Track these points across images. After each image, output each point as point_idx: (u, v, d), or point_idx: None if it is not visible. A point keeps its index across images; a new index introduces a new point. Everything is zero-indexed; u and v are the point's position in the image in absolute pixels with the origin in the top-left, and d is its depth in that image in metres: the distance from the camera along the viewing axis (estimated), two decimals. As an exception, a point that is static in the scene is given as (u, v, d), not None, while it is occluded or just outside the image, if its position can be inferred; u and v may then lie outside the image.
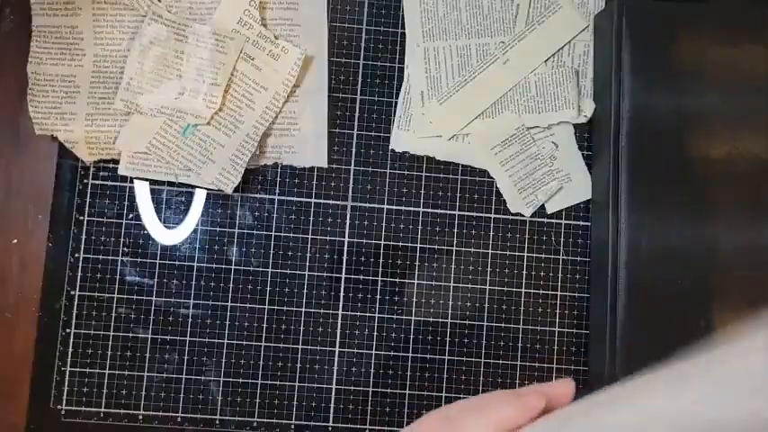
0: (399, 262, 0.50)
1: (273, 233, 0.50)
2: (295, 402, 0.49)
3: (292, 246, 0.50)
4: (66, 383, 0.48)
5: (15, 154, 0.49)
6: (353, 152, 0.51)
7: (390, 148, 0.51)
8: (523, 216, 0.51)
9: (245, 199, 0.50)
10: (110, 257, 0.49)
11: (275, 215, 0.50)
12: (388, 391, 0.49)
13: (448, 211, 0.51)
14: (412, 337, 0.50)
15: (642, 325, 0.46)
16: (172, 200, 0.50)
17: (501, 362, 0.50)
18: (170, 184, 0.50)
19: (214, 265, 0.50)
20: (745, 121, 0.48)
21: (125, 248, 0.49)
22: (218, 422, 0.49)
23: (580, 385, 0.52)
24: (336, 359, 0.50)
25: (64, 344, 0.48)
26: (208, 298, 0.49)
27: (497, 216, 0.51)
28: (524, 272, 0.51)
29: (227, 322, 0.49)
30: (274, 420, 0.49)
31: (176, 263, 0.49)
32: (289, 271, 0.50)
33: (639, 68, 0.47)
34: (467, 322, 0.50)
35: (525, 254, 0.51)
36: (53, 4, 0.49)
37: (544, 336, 0.50)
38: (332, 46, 0.51)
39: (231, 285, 0.50)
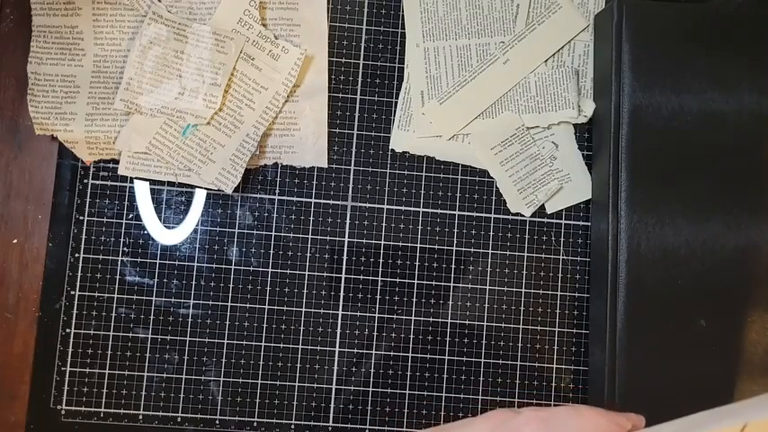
0: (399, 262, 0.50)
1: (273, 233, 0.50)
2: (295, 402, 0.49)
3: (292, 246, 0.50)
4: (66, 383, 0.48)
5: (15, 154, 0.49)
6: (353, 152, 0.51)
7: (390, 148, 0.51)
8: (523, 216, 0.51)
9: (245, 199, 0.50)
10: (110, 257, 0.49)
11: (275, 215, 0.50)
12: (388, 391, 0.49)
13: (448, 211, 0.51)
14: (412, 337, 0.50)
15: (642, 325, 0.46)
16: (172, 200, 0.50)
17: (501, 362, 0.50)
18: (170, 184, 0.50)
19: (214, 265, 0.50)
20: (745, 121, 0.48)
21: (125, 248, 0.49)
22: (218, 422, 0.49)
23: (580, 385, 0.52)
24: (336, 359, 0.50)
25: (64, 344, 0.48)
26: (208, 298, 0.49)
27: (497, 216, 0.51)
28: (524, 272, 0.51)
29: (227, 322, 0.49)
30: (274, 420, 0.49)
31: (176, 263, 0.49)
32: (289, 271, 0.50)
33: (639, 68, 0.47)
34: (467, 322, 0.50)
35: (525, 254, 0.51)
36: (53, 3, 0.49)
37: (544, 336, 0.50)
38: (332, 46, 0.51)
39: (231, 285, 0.50)
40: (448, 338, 0.50)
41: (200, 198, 0.50)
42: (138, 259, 0.49)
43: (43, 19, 0.49)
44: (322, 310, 0.50)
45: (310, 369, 0.49)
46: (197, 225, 0.50)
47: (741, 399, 0.46)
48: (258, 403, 0.49)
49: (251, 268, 0.50)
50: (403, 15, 0.52)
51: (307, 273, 0.50)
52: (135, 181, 0.50)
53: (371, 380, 0.50)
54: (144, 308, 0.49)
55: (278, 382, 0.49)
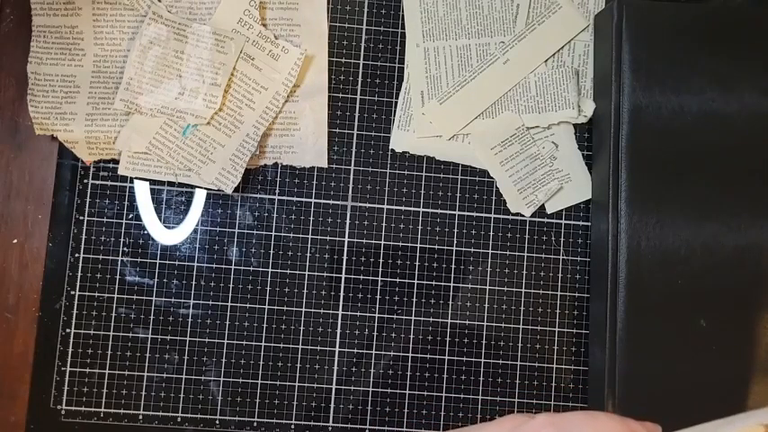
0: (399, 262, 0.50)
1: (273, 233, 0.50)
2: (295, 402, 0.49)
3: (292, 246, 0.50)
4: (66, 383, 0.48)
5: (15, 154, 0.49)
6: (353, 152, 0.51)
7: (390, 148, 0.51)
8: (523, 216, 0.51)
9: (245, 199, 0.50)
10: (110, 257, 0.49)
11: (275, 215, 0.50)
12: (388, 391, 0.49)
13: (448, 211, 0.51)
14: (412, 337, 0.50)
15: (642, 325, 0.46)
16: (172, 200, 0.50)
17: (501, 362, 0.50)
18: (170, 184, 0.50)
19: (214, 265, 0.50)
20: (745, 120, 0.48)
21: (125, 248, 0.49)
22: (218, 422, 0.49)
23: (580, 385, 0.52)
24: (336, 359, 0.50)
25: (64, 344, 0.48)
26: (208, 298, 0.49)
27: (497, 216, 0.51)
28: (524, 272, 0.51)
29: (227, 322, 0.49)
30: (274, 420, 0.49)
31: (176, 263, 0.49)
32: (289, 271, 0.50)
33: (639, 68, 0.47)
34: (467, 322, 0.50)
35: (525, 254, 0.51)
36: (53, 3, 0.49)
37: (544, 336, 0.50)
38: (332, 46, 0.51)
39: (231, 285, 0.50)
40: (448, 338, 0.50)
41: (200, 198, 0.50)
42: (138, 259, 0.49)
43: (43, 19, 0.49)
44: (322, 310, 0.50)
45: (310, 369, 0.49)
46: (197, 225, 0.50)
47: (741, 399, 0.46)
48: (258, 403, 0.49)
49: (251, 268, 0.50)
50: (403, 15, 0.52)
51: (307, 273, 0.50)
52: (135, 181, 0.50)
53: (371, 380, 0.50)
54: (144, 308, 0.49)
55: (278, 382, 0.49)
